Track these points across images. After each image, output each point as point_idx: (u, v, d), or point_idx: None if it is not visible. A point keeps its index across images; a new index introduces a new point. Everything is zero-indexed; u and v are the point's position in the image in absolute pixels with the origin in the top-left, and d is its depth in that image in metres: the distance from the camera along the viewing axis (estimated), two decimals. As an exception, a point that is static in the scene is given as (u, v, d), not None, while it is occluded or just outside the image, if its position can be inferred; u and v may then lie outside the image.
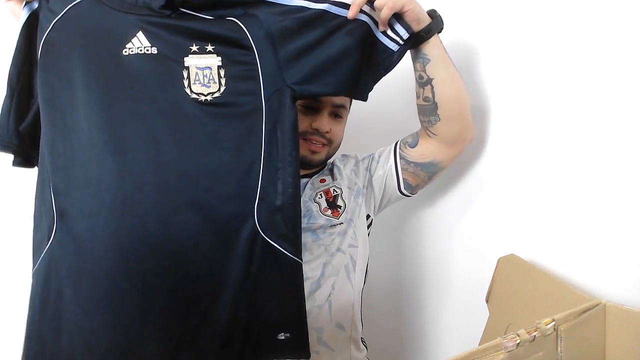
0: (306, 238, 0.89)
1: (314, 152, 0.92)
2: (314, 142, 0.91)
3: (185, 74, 0.68)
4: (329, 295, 0.88)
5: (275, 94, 0.70)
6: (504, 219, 0.85)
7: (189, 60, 0.68)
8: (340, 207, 0.91)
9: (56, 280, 0.67)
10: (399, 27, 0.75)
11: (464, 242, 0.96)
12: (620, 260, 0.64)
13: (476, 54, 0.90)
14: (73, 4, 0.69)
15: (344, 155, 1.02)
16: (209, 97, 0.68)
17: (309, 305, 0.79)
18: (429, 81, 0.81)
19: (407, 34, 0.75)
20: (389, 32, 0.75)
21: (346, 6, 0.71)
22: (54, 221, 0.68)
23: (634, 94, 0.63)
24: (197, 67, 0.68)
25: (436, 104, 0.82)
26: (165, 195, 0.66)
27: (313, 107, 0.91)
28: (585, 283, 0.68)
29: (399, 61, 0.78)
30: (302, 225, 0.76)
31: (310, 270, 0.87)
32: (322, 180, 0.95)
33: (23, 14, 0.71)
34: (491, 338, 0.52)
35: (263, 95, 0.70)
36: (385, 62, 0.77)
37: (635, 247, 0.62)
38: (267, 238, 0.69)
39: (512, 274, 0.78)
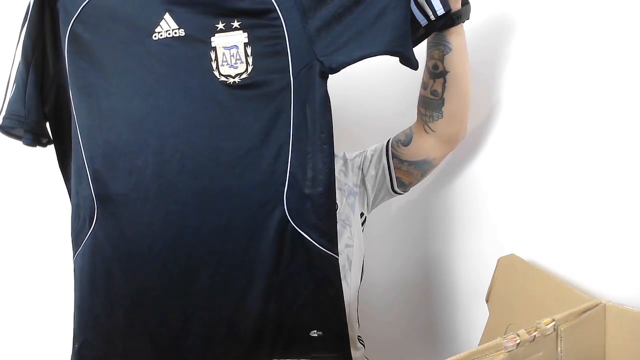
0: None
1: None
2: None
3: (212, 55, 0.66)
4: None
5: (303, 70, 0.66)
6: (504, 219, 0.85)
7: (216, 40, 0.66)
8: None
9: (102, 263, 0.70)
10: (435, 0, 0.65)
11: (464, 241, 0.96)
12: (620, 260, 0.64)
13: (476, 52, 0.90)
14: None
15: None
16: (236, 79, 0.66)
17: None
18: (443, 74, 0.76)
19: (442, 9, 0.65)
20: (423, 2, 0.66)
21: None
22: (95, 207, 0.69)
23: (633, 94, 0.63)
24: (224, 47, 0.66)
25: (444, 100, 0.78)
26: (200, 182, 0.67)
27: None
28: (585, 283, 0.68)
29: (422, 40, 0.71)
30: None
31: None
32: None
33: None
34: (491, 338, 0.52)
35: (291, 71, 0.66)
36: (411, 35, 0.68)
37: (635, 247, 0.62)
38: (296, 227, 0.67)
39: (512, 274, 0.78)
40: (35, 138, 0.74)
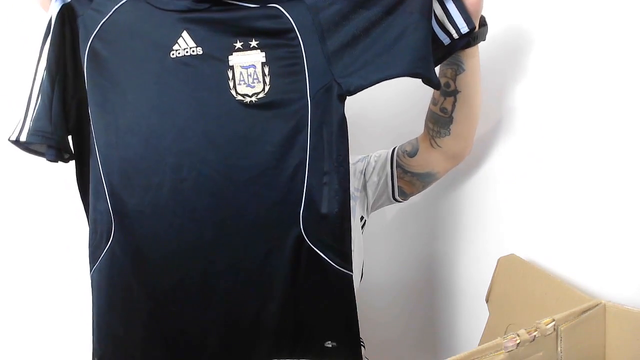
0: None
1: None
2: None
3: (230, 74, 0.66)
4: None
5: (321, 91, 0.66)
6: (504, 219, 0.85)
7: (234, 59, 0.66)
8: None
9: (120, 278, 0.70)
10: (458, 18, 0.64)
11: (464, 241, 0.96)
12: (620, 260, 0.64)
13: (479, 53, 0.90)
14: (119, 4, 0.69)
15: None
16: (253, 99, 0.66)
17: None
18: (454, 93, 0.76)
19: (466, 28, 0.63)
20: (445, 21, 0.65)
21: None
22: (112, 222, 0.69)
23: (633, 95, 0.63)
24: (241, 66, 0.66)
25: (452, 118, 0.78)
26: (216, 200, 0.67)
27: None
28: (585, 283, 0.68)
29: (442, 61, 0.70)
30: None
31: None
32: None
33: (55, 5, 0.70)
34: (491, 338, 0.52)
35: (309, 92, 0.66)
36: (432, 55, 0.66)
37: (635, 247, 0.62)
38: (312, 246, 0.67)
39: (512, 274, 0.78)
40: (59, 154, 0.74)
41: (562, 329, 0.55)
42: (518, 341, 0.51)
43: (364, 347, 0.99)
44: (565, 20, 0.73)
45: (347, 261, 0.69)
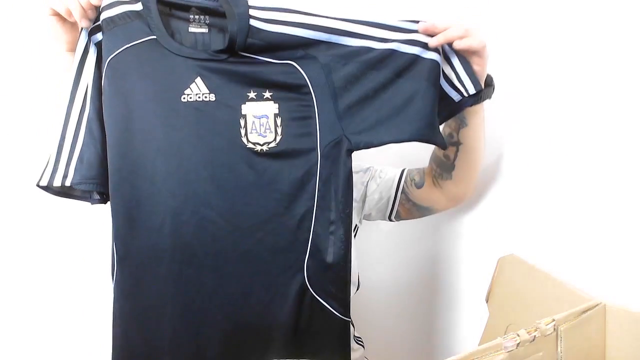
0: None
1: None
2: None
3: (242, 122, 0.67)
4: None
5: (331, 144, 0.67)
6: (504, 219, 0.85)
7: (246, 108, 0.67)
8: None
9: (120, 320, 0.70)
10: (465, 78, 0.67)
11: (464, 242, 0.96)
12: (620, 260, 0.64)
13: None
14: (131, 44, 0.67)
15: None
16: (264, 147, 0.67)
17: None
18: (457, 144, 0.78)
19: (474, 89, 0.67)
20: (454, 81, 0.68)
21: (416, 43, 0.65)
22: (115, 261, 0.69)
23: (633, 95, 0.63)
24: (253, 116, 0.67)
25: (454, 165, 0.80)
26: (219, 246, 0.67)
27: None
28: (585, 283, 0.68)
29: (454, 115, 0.72)
30: None
31: None
32: None
33: (89, 48, 0.68)
34: (491, 338, 0.51)
35: (319, 145, 0.67)
36: (443, 110, 0.69)
37: (635, 247, 0.62)
38: (315, 295, 0.68)
39: (512, 274, 0.78)
40: (103, 197, 0.74)
41: (562, 329, 0.55)
42: (518, 341, 0.51)
43: (363, 347, 0.99)
44: (565, 21, 0.73)
45: (347, 309, 0.70)
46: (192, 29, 0.70)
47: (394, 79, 0.66)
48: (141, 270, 0.68)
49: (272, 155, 0.67)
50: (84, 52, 0.69)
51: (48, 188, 0.70)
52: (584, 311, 0.59)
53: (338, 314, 0.69)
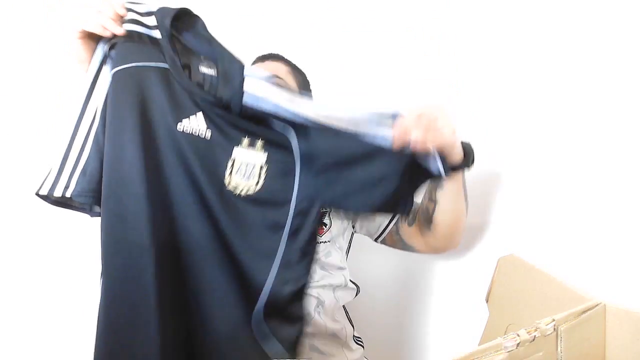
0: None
1: None
2: None
3: (230, 163, 0.70)
4: (315, 305, 0.90)
5: (304, 201, 0.70)
6: (504, 219, 0.85)
7: (237, 152, 0.70)
8: (325, 224, 0.91)
9: (102, 325, 0.70)
10: (437, 164, 0.69)
11: (464, 241, 0.96)
12: (620, 260, 0.64)
13: (478, 53, 0.90)
14: (142, 64, 0.68)
15: None
16: (243, 191, 0.70)
17: None
18: (434, 202, 0.80)
19: (444, 174, 0.69)
20: (428, 164, 0.71)
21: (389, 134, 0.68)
22: (100, 278, 0.70)
23: (633, 95, 0.63)
24: (242, 160, 0.70)
25: (432, 220, 0.81)
26: (191, 273, 0.69)
27: None
28: (585, 283, 0.68)
29: (434, 181, 0.75)
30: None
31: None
32: None
33: (105, 62, 0.69)
34: (491, 338, 0.51)
35: (294, 199, 0.70)
36: (419, 178, 0.73)
37: (635, 247, 0.62)
38: (264, 334, 0.70)
39: (512, 274, 0.78)
40: None
41: (562, 329, 0.55)
42: (518, 341, 0.51)
43: (363, 347, 0.99)
44: (564, 21, 0.73)
45: (298, 343, 0.72)
46: (202, 69, 0.72)
47: (367, 160, 0.69)
48: (121, 306, 0.68)
49: (249, 200, 0.70)
50: (99, 66, 0.69)
51: (47, 197, 0.70)
52: (584, 311, 0.59)
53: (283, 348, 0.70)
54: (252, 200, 0.70)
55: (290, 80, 0.97)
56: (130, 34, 0.68)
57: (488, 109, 0.88)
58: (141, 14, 0.69)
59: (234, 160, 0.70)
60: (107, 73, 0.69)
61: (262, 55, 1.00)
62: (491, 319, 0.81)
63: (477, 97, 0.89)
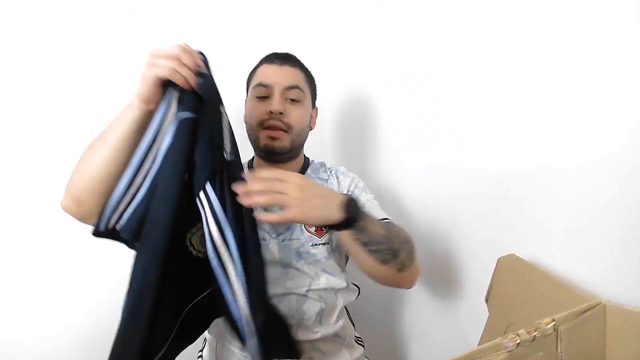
0: (290, 258, 0.90)
1: (273, 139, 0.93)
2: (271, 127, 0.92)
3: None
4: (319, 309, 0.89)
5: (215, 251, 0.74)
6: (504, 219, 0.85)
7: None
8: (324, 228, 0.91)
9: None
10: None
11: (464, 241, 0.96)
12: (620, 260, 0.64)
13: (477, 53, 0.90)
14: (182, 120, 0.69)
15: (346, 172, 1.02)
16: (198, 254, 0.76)
17: (297, 317, 0.85)
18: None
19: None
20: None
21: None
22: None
23: (632, 95, 0.63)
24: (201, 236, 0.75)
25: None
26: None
27: (264, 96, 0.93)
28: (585, 283, 0.68)
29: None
30: (285, 242, 0.82)
31: (296, 287, 0.89)
32: None
33: (172, 105, 0.69)
34: (491, 338, 0.52)
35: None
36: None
37: (635, 247, 0.62)
38: None
39: (512, 274, 0.78)
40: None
41: (562, 329, 0.55)
42: (518, 341, 0.51)
43: (363, 347, 0.99)
44: (564, 21, 0.73)
45: None
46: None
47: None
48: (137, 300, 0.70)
49: (198, 259, 0.75)
50: (166, 109, 0.69)
51: (100, 233, 0.72)
52: (584, 311, 0.59)
53: None
54: (200, 259, 0.74)
55: (306, 90, 0.98)
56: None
57: (488, 108, 0.88)
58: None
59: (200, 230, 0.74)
60: (172, 116, 0.69)
61: (278, 55, 0.98)
62: (491, 319, 0.81)
63: (477, 96, 0.89)
